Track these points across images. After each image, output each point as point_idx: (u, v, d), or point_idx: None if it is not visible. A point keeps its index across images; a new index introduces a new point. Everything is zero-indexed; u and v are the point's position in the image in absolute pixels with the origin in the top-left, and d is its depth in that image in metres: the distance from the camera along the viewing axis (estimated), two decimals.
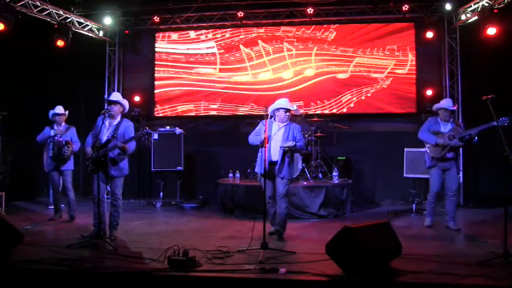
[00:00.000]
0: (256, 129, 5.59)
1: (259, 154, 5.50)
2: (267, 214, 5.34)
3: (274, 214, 5.54)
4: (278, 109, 5.44)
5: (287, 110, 5.42)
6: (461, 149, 8.51)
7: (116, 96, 5.59)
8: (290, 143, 5.25)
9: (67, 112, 6.97)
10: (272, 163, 5.36)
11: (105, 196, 5.90)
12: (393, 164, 8.42)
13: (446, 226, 6.11)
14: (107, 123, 5.44)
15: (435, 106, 6.29)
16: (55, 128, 6.88)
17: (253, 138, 5.53)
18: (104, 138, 5.37)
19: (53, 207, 7.90)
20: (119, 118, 5.51)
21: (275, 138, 5.41)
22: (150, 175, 9.30)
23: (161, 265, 4.07)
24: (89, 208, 7.12)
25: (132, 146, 5.42)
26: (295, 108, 5.63)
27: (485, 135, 7.73)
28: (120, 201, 5.59)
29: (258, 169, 5.58)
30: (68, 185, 6.86)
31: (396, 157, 7.99)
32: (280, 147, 5.30)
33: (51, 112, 6.89)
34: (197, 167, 9.58)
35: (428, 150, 6.16)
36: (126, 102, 5.58)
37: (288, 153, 5.36)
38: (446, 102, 6.21)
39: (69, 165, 6.87)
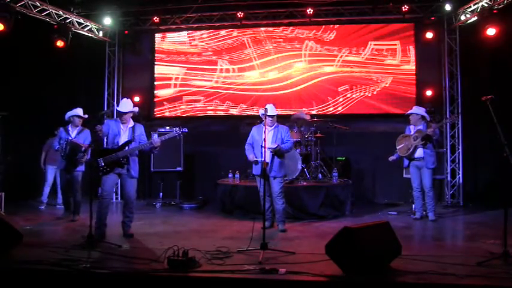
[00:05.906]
0: (249, 137, 6.21)
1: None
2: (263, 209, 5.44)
3: (268, 208, 6.08)
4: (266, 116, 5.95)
5: (272, 116, 6.01)
6: (460, 150, 8.61)
7: (129, 107, 5.63)
8: (273, 145, 5.87)
9: (86, 116, 7.00)
10: (266, 164, 5.80)
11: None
12: (393, 165, 8.39)
13: (426, 216, 6.91)
14: (121, 126, 5.63)
15: (407, 112, 7.00)
16: (70, 129, 6.86)
17: (248, 152, 6.11)
18: (121, 140, 5.56)
19: (54, 207, 7.93)
20: (131, 121, 5.74)
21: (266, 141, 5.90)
22: (149, 175, 9.28)
23: (161, 265, 4.07)
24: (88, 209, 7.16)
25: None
26: (275, 114, 6.04)
27: (485, 136, 7.79)
28: (135, 202, 5.80)
29: (254, 171, 6.13)
30: (76, 185, 6.87)
31: None
32: (268, 148, 5.72)
33: (69, 113, 6.86)
34: (197, 167, 9.58)
35: (398, 152, 6.93)
36: (136, 108, 5.73)
37: (276, 154, 5.93)
38: (415, 109, 6.93)
39: (80, 167, 6.90)
